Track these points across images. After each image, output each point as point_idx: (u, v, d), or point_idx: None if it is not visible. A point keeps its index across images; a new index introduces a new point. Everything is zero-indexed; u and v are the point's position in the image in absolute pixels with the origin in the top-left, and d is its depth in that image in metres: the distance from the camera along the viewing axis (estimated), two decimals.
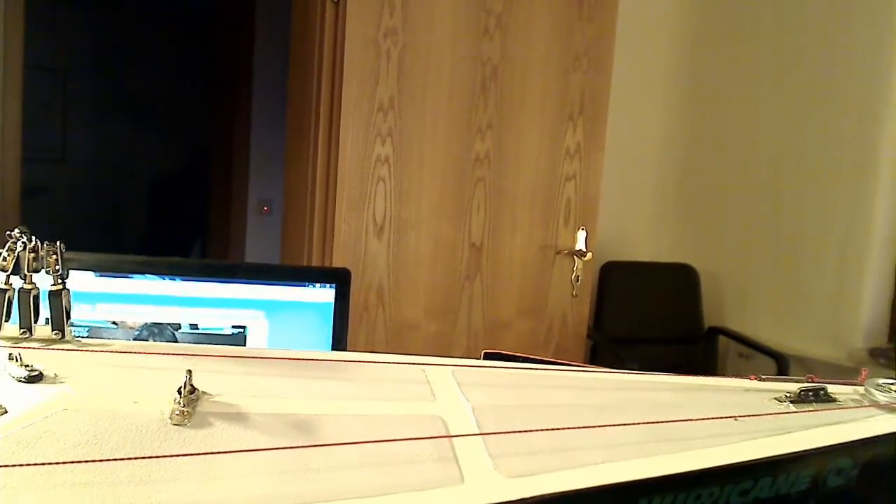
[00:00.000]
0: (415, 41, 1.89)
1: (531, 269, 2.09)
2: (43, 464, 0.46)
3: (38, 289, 0.64)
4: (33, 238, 0.63)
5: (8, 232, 0.63)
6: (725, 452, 0.57)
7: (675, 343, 2.68)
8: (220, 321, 0.97)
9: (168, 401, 0.53)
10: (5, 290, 0.62)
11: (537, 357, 0.71)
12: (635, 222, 2.95)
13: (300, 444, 0.52)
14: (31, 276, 0.64)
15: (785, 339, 2.43)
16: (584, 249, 2.09)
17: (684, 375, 0.71)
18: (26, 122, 2.57)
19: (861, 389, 0.68)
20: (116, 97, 4.33)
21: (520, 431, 0.57)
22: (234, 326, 0.96)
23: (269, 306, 0.98)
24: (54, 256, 0.64)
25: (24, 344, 0.62)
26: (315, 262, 1.94)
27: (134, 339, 0.94)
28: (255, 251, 3.34)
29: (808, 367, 2.36)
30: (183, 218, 4.38)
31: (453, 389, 0.62)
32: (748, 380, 0.71)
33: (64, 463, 0.47)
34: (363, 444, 0.53)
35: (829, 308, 2.35)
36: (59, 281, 0.64)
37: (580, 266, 2.11)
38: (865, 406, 0.66)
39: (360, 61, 1.84)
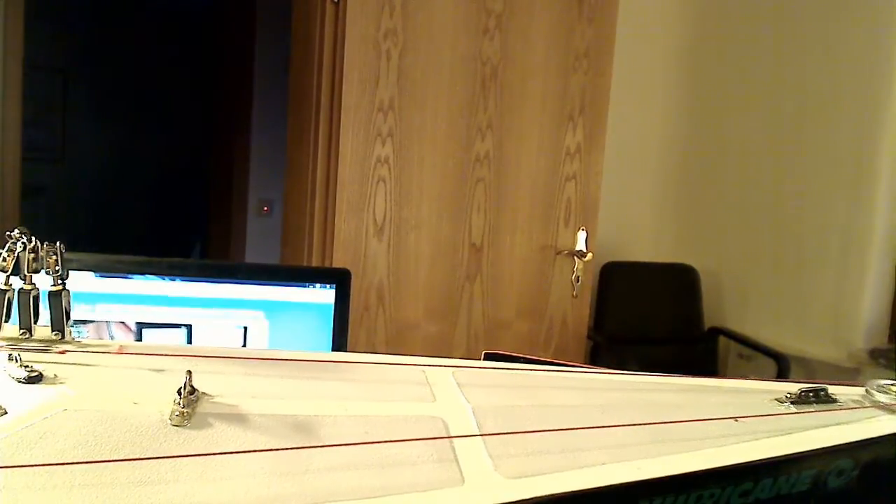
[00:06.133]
0: (415, 41, 1.88)
1: (531, 270, 2.09)
2: (43, 465, 0.46)
3: (37, 289, 0.64)
4: (33, 238, 0.63)
5: (8, 232, 0.63)
6: (726, 453, 0.57)
7: (675, 343, 2.68)
8: (220, 321, 0.97)
9: (168, 401, 0.53)
10: (5, 291, 0.62)
11: (537, 358, 0.71)
12: (635, 222, 2.95)
13: (300, 445, 0.52)
14: (30, 276, 0.64)
15: (785, 339, 2.43)
16: (585, 250, 2.08)
17: (684, 376, 0.71)
18: (26, 122, 2.58)
19: (861, 390, 0.68)
20: (116, 97, 4.33)
21: (520, 432, 0.56)
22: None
23: (269, 307, 0.98)
24: (54, 257, 0.64)
25: (24, 344, 0.62)
26: (315, 263, 1.94)
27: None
28: (256, 251, 3.34)
29: (808, 367, 2.36)
30: (183, 218, 4.39)
31: (453, 390, 0.62)
32: (749, 380, 0.71)
33: (64, 464, 0.46)
34: (363, 445, 0.53)
35: (830, 308, 2.35)
36: (59, 281, 0.64)
37: (580, 266, 2.11)
38: (866, 407, 0.66)
39: (360, 62, 1.84)
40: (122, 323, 0.94)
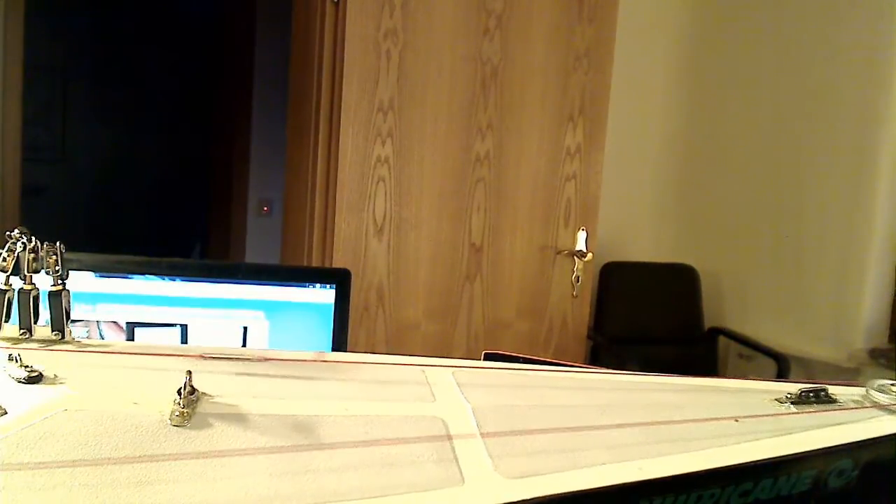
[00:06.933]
0: (415, 41, 1.88)
1: (531, 270, 2.09)
2: (43, 465, 0.46)
3: (37, 289, 0.64)
4: (33, 238, 0.63)
5: (8, 232, 0.63)
6: (726, 453, 0.57)
7: (675, 343, 2.68)
8: (220, 321, 0.97)
9: (168, 401, 0.53)
10: (5, 291, 0.62)
11: (537, 358, 0.71)
12: (635, 222, 2.95)
13: (300, 445, 0.52)
14: (30, 276, 0.64)
15: (785, 339, 2.42)
16: (585, 250, 2.08)
17: (684, 376, 0.71)
18: (26, 122, 2.58)
19: (862, 390, 0.68)
20: (116, 97, 4.33)
21: (520, 432, 0.56)
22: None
23: (269, 307, 0.98)
24: (54, 257, 0.64)
25: (24, 344, 0.62)
26: (315, 263, 1.94)
27: None
28: (256, 251, 3.34)
29: (808, 367, 2.36)
30: (183, 218, 4.38)
31: (453, 390, 0.62)
32: (749, 380, 0.71)
33: (64, 464, 0.46)
34: (363, 445, 0.53)
35: (830, 308, 2.35)
36: (59, 281, 0.64)
37: (580, 266, 2.11)
38: (866, 407, 0.66)
39: (360, 61, 1.84)
40: (114, 322, 0.94)
